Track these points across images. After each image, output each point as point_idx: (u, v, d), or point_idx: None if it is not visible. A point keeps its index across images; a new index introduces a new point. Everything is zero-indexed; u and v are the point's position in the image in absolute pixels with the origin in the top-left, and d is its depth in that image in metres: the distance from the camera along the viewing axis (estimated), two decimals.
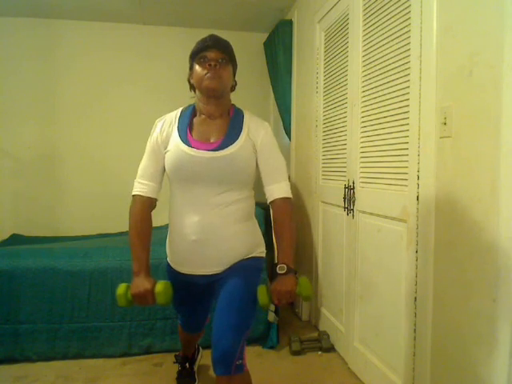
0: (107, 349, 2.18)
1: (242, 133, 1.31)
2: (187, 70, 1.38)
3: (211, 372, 1.97)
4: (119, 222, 3.37)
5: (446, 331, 1.36)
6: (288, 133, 3.12)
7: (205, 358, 2.02)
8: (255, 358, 2.17)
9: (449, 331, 1.34)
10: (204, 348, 2.02)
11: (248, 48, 3.66)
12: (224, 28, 3.54)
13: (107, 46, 3.49)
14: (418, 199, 1.49)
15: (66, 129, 3.45)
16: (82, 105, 3.47)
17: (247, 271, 1.34)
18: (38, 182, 3.43)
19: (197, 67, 1.29)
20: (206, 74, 1.27)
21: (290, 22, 3.07)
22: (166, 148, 1.33)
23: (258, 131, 1.35)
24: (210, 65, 1.26)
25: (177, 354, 1.96)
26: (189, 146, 1.29)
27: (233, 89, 1.39)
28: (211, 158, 1.27)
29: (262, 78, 3.62)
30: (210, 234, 1.30)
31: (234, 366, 1.19)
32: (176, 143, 1.30)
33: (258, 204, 2.50)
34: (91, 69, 3.46)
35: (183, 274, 1.38)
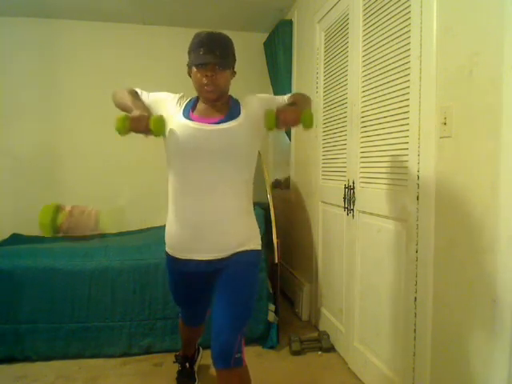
0: (107, 349, 2.18)
1: (241, 113, 1.35)
2: (187, 69, 1.38)
3: (211, 372, 1.97)
4: (119, 221, 3.38)
5: (445, 331, 1.36)
6: (288, 133, 3.12)
7: (205, 357, 2.02)
8: (255, 358, 2.17)
9: (449, 331, 1.35)
10: (204, 348, 2.02)
11: (248, 48, 3.65)
12: (224, 28, 3.51)
13: (107, 45, 3.49)
14: (417, 199, 1.49)
15: (66, 128, 3.45)
16: (82, 104, 3.47)
17: (244, 267, 1.36)
18: (39, 181, 3.43)
19: (195, 71, 1.30)
20: (204, 85, 1.29)
21: (290, 22, 3.07)
22: (163, 112, 1.36)
23: (252, 103, 1.40)
24: (207, 75, 1.27)
25: (177, 353, 1.96)
26: (190, 120, 1.33)
27: (232, 77, 1.40)
28: (212, 131, 1.30)
29: (261, 77, 3.61)
30: (209, 216, 1.32)
31: (233, 359, 1.25)
32: (178, 119, 1.34)
33: (258, 204, 2.51)
34: (91, 69, 3.46)
35: (182, 260, 1.39)
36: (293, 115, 1.22)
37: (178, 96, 1.43)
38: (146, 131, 1.19)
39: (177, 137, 1.30)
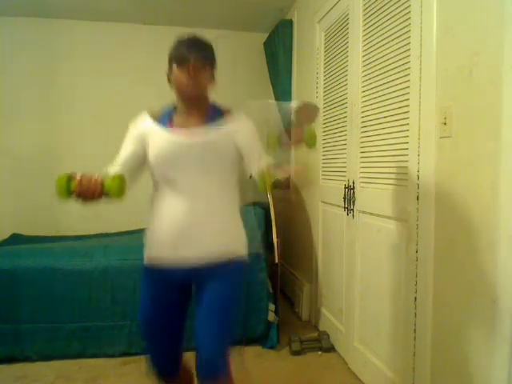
0: (107, 348, 2.18)
1: (222, 125, 1.34)
2: (167, 75, 1.37)
3: None
4: (119, 221, 3.38)
5: (445, 331, 1.36)
6: (288, 133, 3.12)
7: None
8: (255, 358, 2.17)
9: (449, 331, 1.35)
10: None
11: (248, 48, 3.66)
12: (224, 28, 3.54)
13: (107, 45, 3.49)
14: (418, 199, 1.49)
15: (66, 128, 3.46)
16: (82, 104, 3.47)
17: (228, 278, 1.32)
18: (38, 181, 3.42)
19: (176, 70, 1.30)
20: (185, 83, 1.28)
21: (290, 22, 3.07)
22: (144, 141, 1.34)
23: (240, 124, 1.38)
24: (189, 73, 1.27)
25: None
26: (170, 133, 1.32)
27: (212, 81, 1.38)
28: (194, 141, 1.30)
29: (262, 77, 3.61)
30: (195, 217, 1.30)
31: (218, 368, 1.22)
32: (157, 133, 1.33)
33: (258, 204, 2.50)
34: (91, 68, 3.46)
35: (163, 268, 1.33)
36: (296, 136, 1.23)
37: (144, 115, 1.39)
38: (98, 196, 1.09)
39: (157, 150, 1.31)
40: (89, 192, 1.08)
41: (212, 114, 1.37)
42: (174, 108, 1.40)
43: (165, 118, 1.37)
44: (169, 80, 1.36)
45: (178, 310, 1.42)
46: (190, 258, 1.31)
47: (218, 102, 1.43)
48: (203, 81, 1.31)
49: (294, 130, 1.25)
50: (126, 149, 1.38)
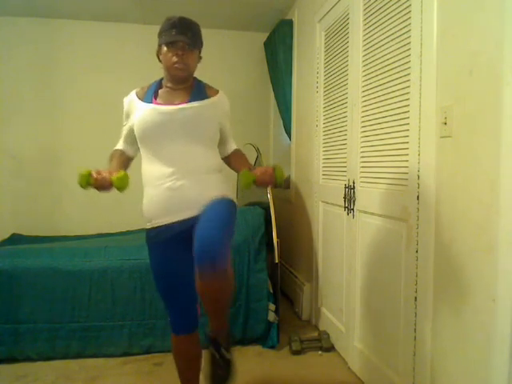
0: (107, 348, 2.18)
1: (206, 99, 1.44)
2: (156, 51, 1.45)
3: None
4: (119, 221, 3.38)
5: (445, 331, 1.36)
6: (288, 133, 3.13)
7: None
8: (255, 358, 2.18)
9: (449, 331, 1.35)
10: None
11: (248, 48, 3.67)
12: (224, 28, 3.54)
13: (108, 45, 3.49)
14: (418, 199, 1.49)
15: (67, 128, 3.46)
16: (83, 105, 3.47)
17: (219, 201, 1.37)
18: (38, 181, 3.44)
19: (165, 51, 1.38)
20: (174, 64, 1.37)
21: (291, 22, 3.07)
22: (130, 116, 1.44)
23: (223, 102, 1.50)
24: (177, 54, 1.36)
25: None
26: (153, 105, 1.40)
27: (198, 61, 1.48)
28: (177, 109, 1.38)
29: (262, 77, 3.62)
30: (184, 179, 1.37)
31: (219, 259, 1.14)
32: (142, 107, 1.40)
33: (258, 204, 2.51)
34: (92, 69, 3.46)
35: (163, 226, 1.40)
36: (269, 178, 1.31)
37: (132, 93, 1.48)
38: (109, 189, 1.32)
39: (142, 120, 1.38)
40: (101, 186, 1.30)
41: (196, 90, 1.45)
42: (160, 82, 1.48)
43: (150, 93, 1.44)
44: (158, 57, 1.44)
45: (188, 259, 1.37)
46: (184, 218, 1.37)
47: (202, 80, 1.52)
48: (191, 62, 1.40)
49: (268, 172, 1.32)
50: (125, 125, 1.51)
